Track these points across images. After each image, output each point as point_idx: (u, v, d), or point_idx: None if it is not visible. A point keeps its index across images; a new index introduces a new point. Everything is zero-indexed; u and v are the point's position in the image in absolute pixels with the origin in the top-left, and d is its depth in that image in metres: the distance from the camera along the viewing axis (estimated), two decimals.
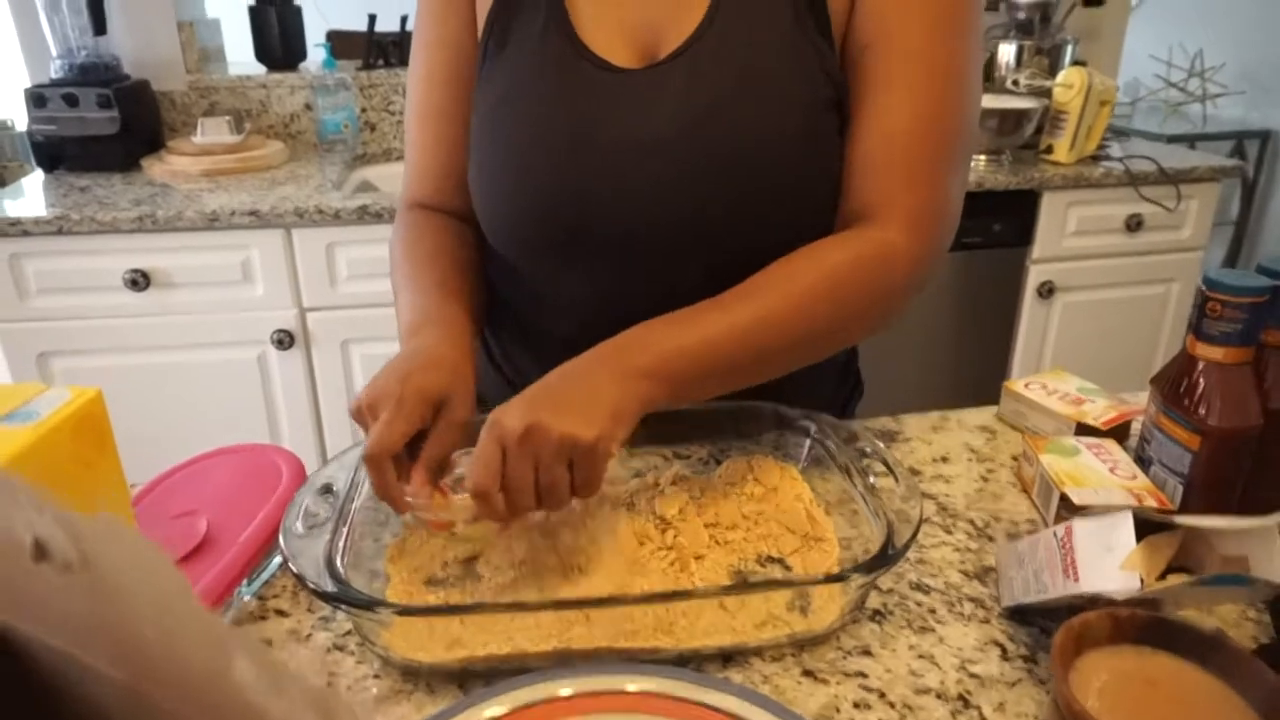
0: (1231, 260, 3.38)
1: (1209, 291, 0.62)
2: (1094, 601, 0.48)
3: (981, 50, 0.70)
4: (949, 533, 0.68)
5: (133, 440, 1.78)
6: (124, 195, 1.67)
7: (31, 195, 1.69)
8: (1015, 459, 0.78)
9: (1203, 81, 3.41)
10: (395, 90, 2.17)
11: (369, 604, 0.50)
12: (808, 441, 0.71)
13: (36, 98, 1.80)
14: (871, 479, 0.63)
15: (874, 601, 0.60)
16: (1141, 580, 0.46)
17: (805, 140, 0.66)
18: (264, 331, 1.66)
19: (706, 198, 0.66)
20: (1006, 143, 1.92)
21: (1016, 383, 0.83)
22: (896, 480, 0.61)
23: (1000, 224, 1.92)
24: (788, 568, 0.62)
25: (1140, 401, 0.78)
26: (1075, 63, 2.11)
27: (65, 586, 0.21)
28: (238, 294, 1.64)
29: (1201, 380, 0.63)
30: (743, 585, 0.59)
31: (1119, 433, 0.75)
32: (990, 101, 1.91)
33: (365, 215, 1.61)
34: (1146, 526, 0.52)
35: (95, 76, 1.86)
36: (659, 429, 0.66)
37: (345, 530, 0.57)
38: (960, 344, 2.04)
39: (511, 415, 0.54)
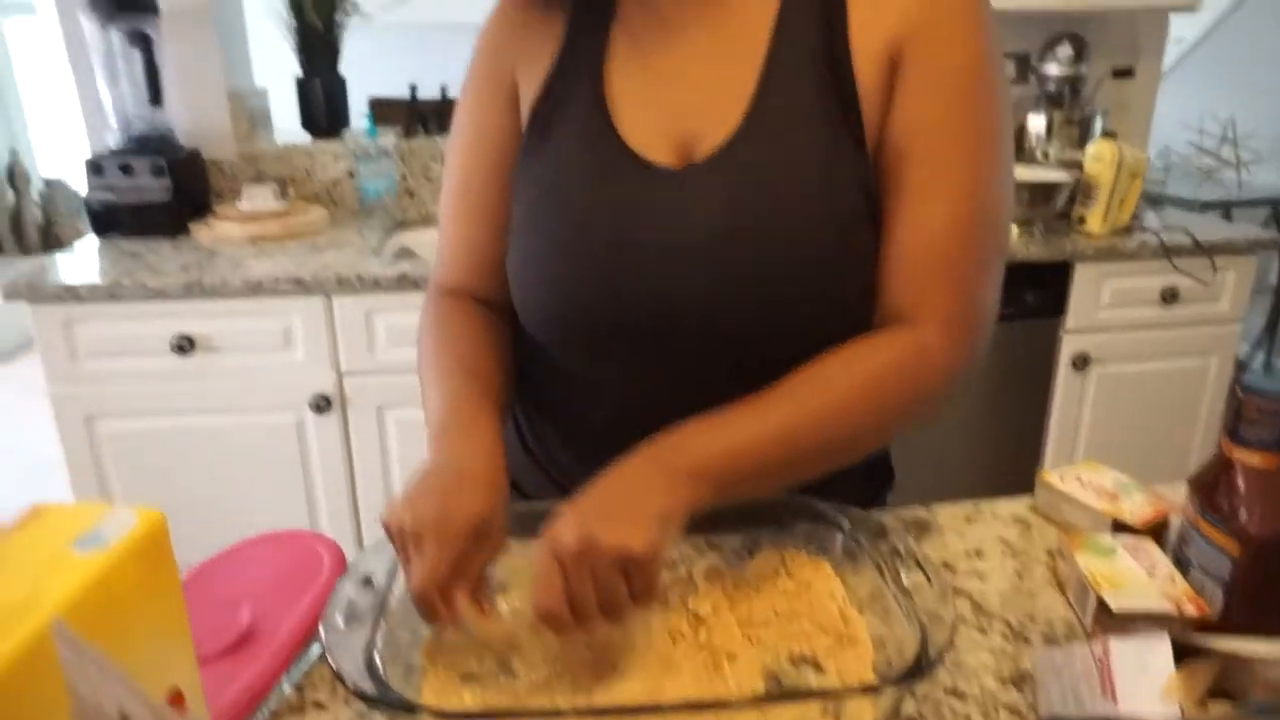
0: (1271, 328, 3.34)
1: (1245, 395, 0.62)
2: None
3: (1012, 151, 0.72)
4: (984, 633, 0.67)
5: (175, 502, 1.82)
6: (173, 261, 1.72)
7: (86, 261, 1.75)
8: (1051, 554, 0.77)
9: (1235, 148, 3.40)
10: (434, 158, 2.24)
11: (408, 708, 0.51)
12: (840, 536, 0.71)
13: (95, 167, 1.87)
14: (904, 577, 0.63)
15: (908, 707, 0.59)
16: (1182, 709, 0.46)
17: (839, 247, 0.68)
18: (303, 396, 1.70)
19: (741, 300, 0.68)
20: (1038, 214, 1.93)
21: (1051, 474, 0.82)
22: (929, 581, 0.61)
23: (1033, 295, 1.92)
24: (821, 669, 0.62)
25: (1177, 495, 0.77)
26: (1105, 134, 2.12)
27: None
28: (279, 359, 1.68)
29: (1240, 485, 0.63)
30: (778, 694, 0.59)
31: (1156, 531, 0.75)
32: (1021, 173, 1.92)
33: (404, 283, 1.65)
34: (1185, 647, 0.51)
35: (150, 146, 1.94)
36: (691, 518, 0.67)
37: (383, 624, 0.58)
38: (994, 415, 2.02)
39: (565, 533, 0.55)
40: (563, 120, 0.74)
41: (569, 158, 0.73)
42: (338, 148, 2.19)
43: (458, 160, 0.80)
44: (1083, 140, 2.10)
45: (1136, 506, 0.76)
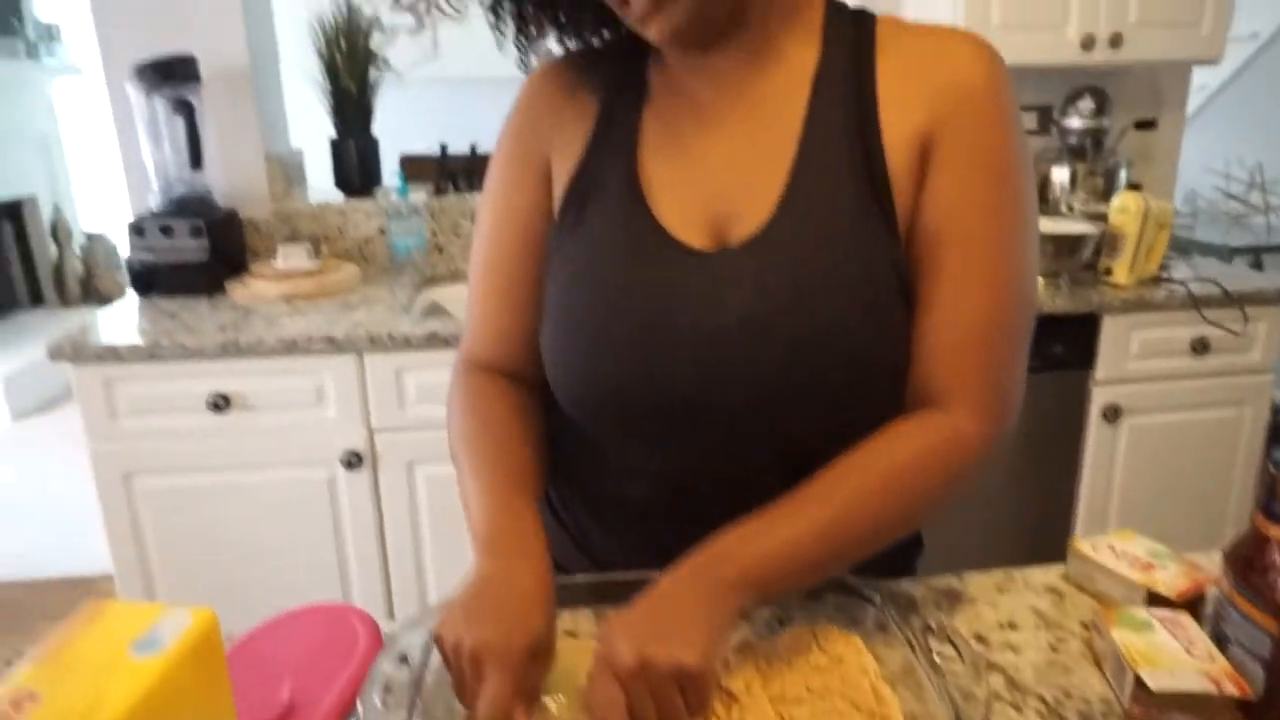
0: None
1: (1278, 471, 0.62)
2: None
3: (1038, 228, 0.73)
4: (1019, 710, 0.67)
5: (209, 557, 1.83)
6: (210, 321, 1.77)
7: (126, 320, 1.80)
8: (1085, 626, 0.76)
9: (1264, 194, 3.39)
10: (463, 214, 2.28)
11: None
12: (871, 609, 0.71)
13: (137, 229, 1.93)
14: (936, 653, 0.63)
15: None
16: None
17: (873, 330, 0.69)
18: (334, 452, 1.72)
19: (776, 383, 0.68)
20: (1064, 266, 1.93)
21: (1084, 543, 0.82)
22: (962, 657, 0.61)
23: (1061, 346, 1.92)
24: None
25: (1212, 564, 0.77)
26: (1130, 186, 2.13)
27: None
28: (311, 416, 1.71)
29: (1276, 561, 0.63)
30: None
31: (1193, 603, 0.74)
32: (1046, 226, 1.93)
33: (433, 341, 1.68)
34: None
35: (190, 208, 2.00)
36: None
37: (419, 702, 0.59)
38: (1026, 468, 2.00)
39: (621, 653, 0.56)
40: (597, 200, 0.75)
41: (604, 237, 0.74)
42: (370, 206, 2.25)
43: (487, 237, 0.81)
44: (1107, 192, 2.11)
45: (1172, 578, 0.76)
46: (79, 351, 1.62)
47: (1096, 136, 2.15)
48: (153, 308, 1.89)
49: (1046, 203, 2.16)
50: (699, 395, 0.70)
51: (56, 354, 1.62)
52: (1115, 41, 2.00)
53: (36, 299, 4.80)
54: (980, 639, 0.75)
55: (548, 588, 0.63)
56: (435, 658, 0.63)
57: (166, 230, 1.94)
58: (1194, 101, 3.33)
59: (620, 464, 0.78)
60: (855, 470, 0.67)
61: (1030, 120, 2.33)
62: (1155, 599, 0.74)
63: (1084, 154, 2.16)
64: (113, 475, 1.69)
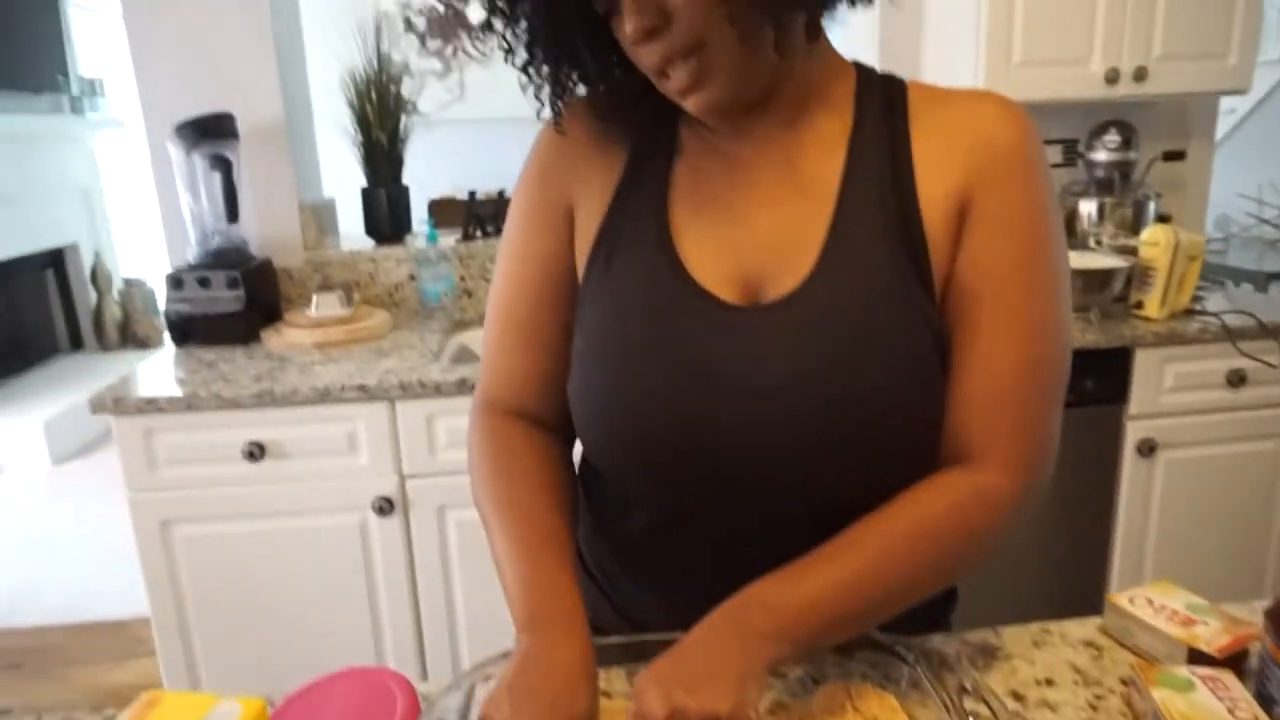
0: None
1: None
2: None
3: (1069, 285, 0.73)
4: None
5: (243, 602, 1.85)
6: (245, 371, 1.80)
7: (165, 371, 1.84)
8: (1124, 683, 0.75)
9: None
10: (491, 259, 2.32)
11: None
12: (905, 668, 0.70)
13: (175, 281, 1.98)
14: (970, 714, 0.62)
15: None
16: None
17: (910, 391, 0.69)
18: (366, 499, 1.74)
19: (810, 441, 0.69)
20: (1094, 300, 1.91)
21: (1121, 597, 0.81)
22: (996, 717, 0.61)
23: (1093, 381, 1.89)
24: None
25: (1255, 616, 0.75)
26: (1160, 218, 2.11)
27: None
28: (343, 463, 1.73)
29: None
30: None
31: (1235, 660, 0.73)
32: (1075, 260, 1.91)
33: (463, 387, 1.70)
34: None
35: (226, 260, 2.05)
36: None
37: None
38: (1060, 504, 1.98)
39: (652, 701, 0.56)
40: (626, 251, 0.75)
41: (633, 288, 0.74)
42: (400, 252, 2.29)
43: (507, 281, 0.81)
44: (1137, 224, 2.09)
45: (1213, 634, 0.74)
46: (120, 404, 1.66)
47: (1124, 169, 2.14)
48: (190, 357, 1.93)
49: (1074, 236, 2.14)
50: (732, 449, 0.70)
51: (99, 406, 1.65)
52: (1140, 75, 2.00)
53: (76, 344, 4.92)
54: (1016, 696, 0.74)
55: (590, 662, 0.63)
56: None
57: (204, 282, 1.98)
58: (1223, 126, 3.29)
59: (644, 510, 0.78)
60: (886, 526, 0.67)
61: (1055, 154, 2.33)
62: (1196, 655, 0.73)
63: (1111, 187, 2.15)
64: (151, 523, 1.72)
